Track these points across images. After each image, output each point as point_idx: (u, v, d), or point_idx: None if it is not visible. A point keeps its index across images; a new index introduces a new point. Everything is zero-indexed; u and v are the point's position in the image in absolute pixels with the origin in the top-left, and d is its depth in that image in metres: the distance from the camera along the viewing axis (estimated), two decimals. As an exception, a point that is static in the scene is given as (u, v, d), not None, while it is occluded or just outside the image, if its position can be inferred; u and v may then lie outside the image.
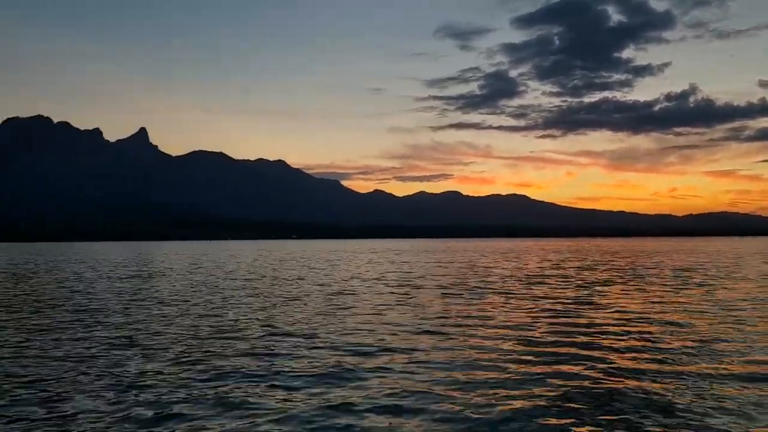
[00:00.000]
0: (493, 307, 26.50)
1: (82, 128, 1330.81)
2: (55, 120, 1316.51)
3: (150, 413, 11.49)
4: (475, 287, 36.59)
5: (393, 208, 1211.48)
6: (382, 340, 18.66)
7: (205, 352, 17.03)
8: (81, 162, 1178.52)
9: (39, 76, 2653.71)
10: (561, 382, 13.34)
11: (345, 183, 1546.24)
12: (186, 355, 16.61)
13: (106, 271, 57.28)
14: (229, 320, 23.28)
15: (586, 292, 32.95)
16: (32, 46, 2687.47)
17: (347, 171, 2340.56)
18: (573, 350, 16.81)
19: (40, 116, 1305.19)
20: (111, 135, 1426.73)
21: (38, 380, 13.98)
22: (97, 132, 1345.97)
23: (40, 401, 12.33)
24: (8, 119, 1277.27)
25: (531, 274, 49.19)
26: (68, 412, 11.61)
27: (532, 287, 36.39)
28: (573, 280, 42.40)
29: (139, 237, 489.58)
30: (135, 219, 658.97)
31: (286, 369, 14.80)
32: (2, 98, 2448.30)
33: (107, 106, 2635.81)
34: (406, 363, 15.29)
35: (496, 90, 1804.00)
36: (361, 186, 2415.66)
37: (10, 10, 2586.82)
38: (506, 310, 25.70)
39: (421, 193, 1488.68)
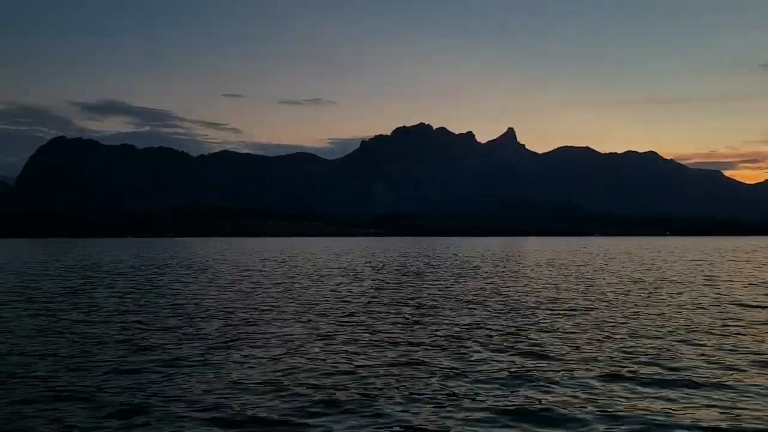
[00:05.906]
0: None
1: (456, 132, 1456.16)
2: (435, 126, 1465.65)
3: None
4: None
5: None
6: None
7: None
8: (457, 164, 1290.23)
9: (414, 87, 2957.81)
10: None
11: (728, 173, 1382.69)
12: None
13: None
14: None
15: None
16: (411, 59, 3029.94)
17: (730, 160, 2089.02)
18: None
19: (422, 123, 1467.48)
20: (482, 137, 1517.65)
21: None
22: (470, 135, 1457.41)
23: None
24: (397, 128, 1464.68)
25: None
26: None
27: None
28: None
29: (512, 233, 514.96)
30: (506, 215, 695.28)
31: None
32: (391, 108, 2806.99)
33: (478, 109, 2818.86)
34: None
35: None
36: (749, 176, 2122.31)
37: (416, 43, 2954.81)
38: None
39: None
